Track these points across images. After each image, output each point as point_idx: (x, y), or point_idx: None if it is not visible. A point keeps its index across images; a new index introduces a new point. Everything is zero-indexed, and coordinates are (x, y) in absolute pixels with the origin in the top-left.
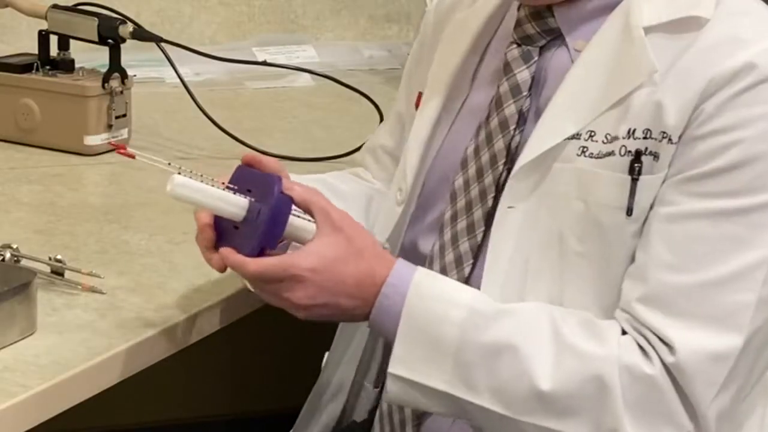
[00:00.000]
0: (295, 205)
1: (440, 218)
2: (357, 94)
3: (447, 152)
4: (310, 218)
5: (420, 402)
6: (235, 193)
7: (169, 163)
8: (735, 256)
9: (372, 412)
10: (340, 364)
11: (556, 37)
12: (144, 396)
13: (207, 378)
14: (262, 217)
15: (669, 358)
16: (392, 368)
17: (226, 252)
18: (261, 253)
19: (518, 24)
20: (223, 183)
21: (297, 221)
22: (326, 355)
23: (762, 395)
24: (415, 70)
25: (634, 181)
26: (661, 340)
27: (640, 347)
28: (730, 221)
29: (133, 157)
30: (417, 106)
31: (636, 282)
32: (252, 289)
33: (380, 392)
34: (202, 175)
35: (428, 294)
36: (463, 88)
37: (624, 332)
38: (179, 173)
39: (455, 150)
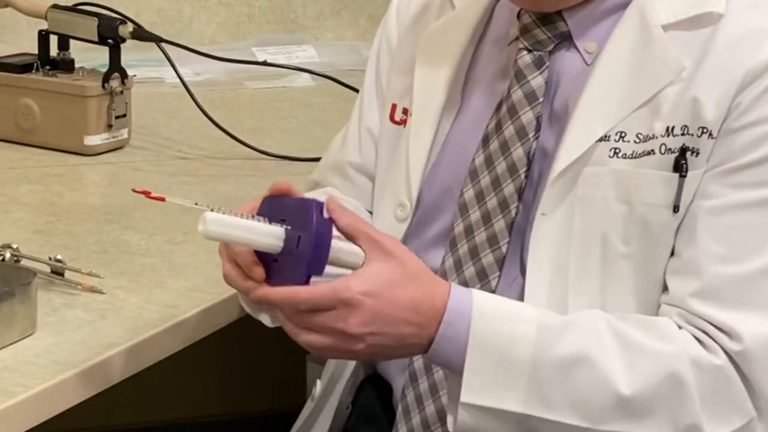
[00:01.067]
0: (339, 231)
1: (446, 232)
2: (357, 94)
3: (448, 164)
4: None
5: (493, 427)
6: (271, 223)
7: (196, 203)
8: None
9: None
10: (332, 390)
11: (564, 39)
12: (144, 396)
13: (206, 378)
14: (305, 244)
15: (734, 347)
16: (465, 397)
17: (268, 288)
18: (307, 282)
19: (526, 30)
20: (253, 216)
21: (341, 244)
22: (317, 382)
23: None
24: (384, 82)
25: (682, 177)
26: (720, 330)
27: (699, 340)
28: None
29: (163, 200)
30: (392, 118)
31: (687, 277)
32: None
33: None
34: (231, 210)
35: (493, 315)
36: (456, 98)
37: (679, 327)
38: (210, 210)
39: (458, 161)
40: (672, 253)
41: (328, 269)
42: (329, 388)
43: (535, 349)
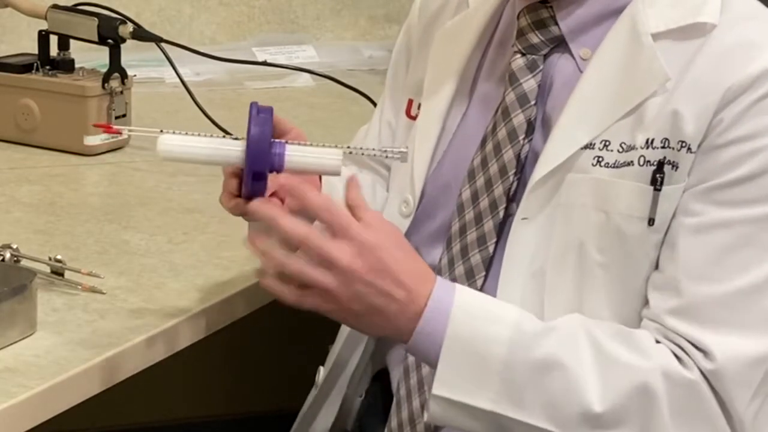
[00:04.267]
0: (348, 203)
1: (444, 228)
2: (357, 94)
3: (451, 162)
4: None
5: (464, 422)
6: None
7: (161, 130)
8: (764, 262)
9: (359, 420)
10: (336, 379)
11: (559, 44)
12: (144, 396)
13: (207, 378)
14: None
15: (707, 365)
16: (436, 389)
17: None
18: (258, 180)
19: (521, 33)
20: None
21: (305, 148)
22: (320, 369)
23: None
24: (402, 77)
25: (657, 191)
26: (695, 347)
27: (675, 355)
28: (758, 227)
29: (120, 133)
30: (408, 113)
31: (667, 294)
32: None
33: (367, 401)
34: (193, 132)
35: (473, 314)
36: (464, 96)
37: (656, 341)
38: (162, 131)
39: (460, 160)
40: (656, 267)
41: None
42: (333, 375)
43: (509, 350)
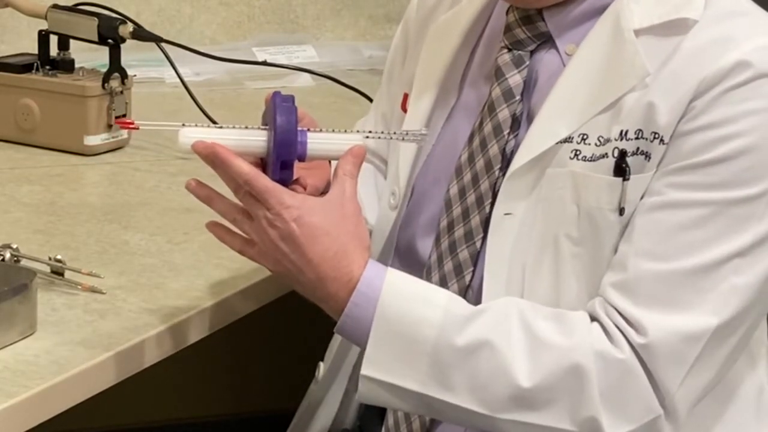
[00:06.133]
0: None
1: (434, 221)
2: (357, 94)
3: (439, 156)
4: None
5: (392, 402)
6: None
7: (183, 124)
8: (713, 246)
9: (359, 419)
10: (336, 374)
11: (546, 40)
12: (144, 396)
13: (206, 378)
14: (273, 132)
15: (638, 339)
16: (364, 370)
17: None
18: (286, 167)
19: (508, 29)
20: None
21: (327, 135)
22: (320, 365)
23: (756, 392)
24: (398, 71)
25: (625, 181)
26: (628, 323)
27: (608, 333)
28: (711, 212)
29: (137, 128)
30: (403, 107)
31: (615, 269)
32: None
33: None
34: (208, 125)
35: (402, 295)
36: (453, 91)
37: (593, 319)
38: (184, 124)
39: (448, 154)
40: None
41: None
42: (333, 370)
43: (438, 333)
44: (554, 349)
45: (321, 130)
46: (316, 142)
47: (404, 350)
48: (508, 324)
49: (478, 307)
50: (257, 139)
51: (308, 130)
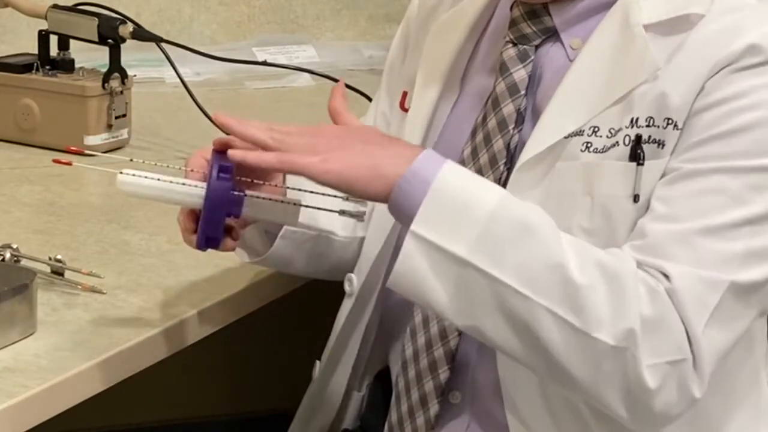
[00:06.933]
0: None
1: None
2: (357, 94)
3: (442, 153)
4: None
5: (432, 269)
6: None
7: (121, 172)
8: (727, 210)
9: (360, 419)
10: (333, 373)
11: (551, 35)
12: (144, 396)
13: (206, 378)
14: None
15: (666, 284)
16: (415, 226)
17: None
18: (212, 243)
19: (513, 23)
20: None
21: (268, 205)
22: (317, 363)
23: (755, 387)
24: (398, 69)
25: (639, 166)
26: (658, 269)
27: (645, 270)
28: (727, 178)
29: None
30: (401, 105)
31: (634, 237)
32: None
33: (368, 398)
34: (156, 176)
35: (462, 174)
36: (455, 88)
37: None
38: (122, 172)
39: (451, 151)
40: None
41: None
42: (330, 369)
43: (497, 204)
44: (602, 261)
45: (261, 198)
46: (252, 208)
47: (460, 214)
48: (557, 231)
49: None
50: (192, 199)
51: (245, 195)
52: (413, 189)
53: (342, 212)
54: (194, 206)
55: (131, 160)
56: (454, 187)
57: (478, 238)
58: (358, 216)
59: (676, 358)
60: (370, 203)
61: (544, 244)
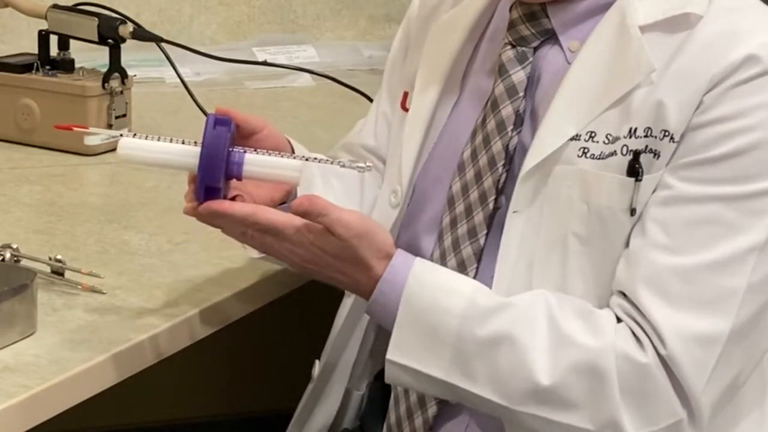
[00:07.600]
0: (296, 213)
1: (436, 219)
2: (357, 94)
3: (441, 155)
4: (288, 155)
5: (419, 386)
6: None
7: (121, 134)
8: (728, 241)
9: (360, 419)
10: (332, 373)
11: (549, 36)
12: (144, 396)
13: (206, 378)
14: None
15: (661, 350)
16: (390, 354)
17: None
18: (213, 193)
19: (512, 25)
20: (172, 138)
21: (268, 161)
22: (316, 363)
23: (761, 392)
24: (399, 69)
25: (638, 182)
26: (653, 328)
27: (634, 335)
28: (726, 206)
29: (86, 127)
30: (402, 106)
31: (629, 263)
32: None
33: (367, 398)
34: (156, 136)
35: (428, 283)
36: (454, 89)
37: (618, 320)
38: (133, 135)
39: (450, 153)
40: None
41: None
42: (329, 368)
43: (461, 323)
44: (578, 348)
45: (261, 153)
46: (252, 165)
47: (428, 338)
48: (534, 319)
49: (506, 299)
50: (189, 160)
51: (245, 151)
52: (382, 315)
53: (343, 165)
54: (193, 170)
55: (135, 135)
56: (420, 308)
57: (450, 361)
58: (362, 170)
59: (669, 422)
60: (369, 193)
61: (512, 353)
